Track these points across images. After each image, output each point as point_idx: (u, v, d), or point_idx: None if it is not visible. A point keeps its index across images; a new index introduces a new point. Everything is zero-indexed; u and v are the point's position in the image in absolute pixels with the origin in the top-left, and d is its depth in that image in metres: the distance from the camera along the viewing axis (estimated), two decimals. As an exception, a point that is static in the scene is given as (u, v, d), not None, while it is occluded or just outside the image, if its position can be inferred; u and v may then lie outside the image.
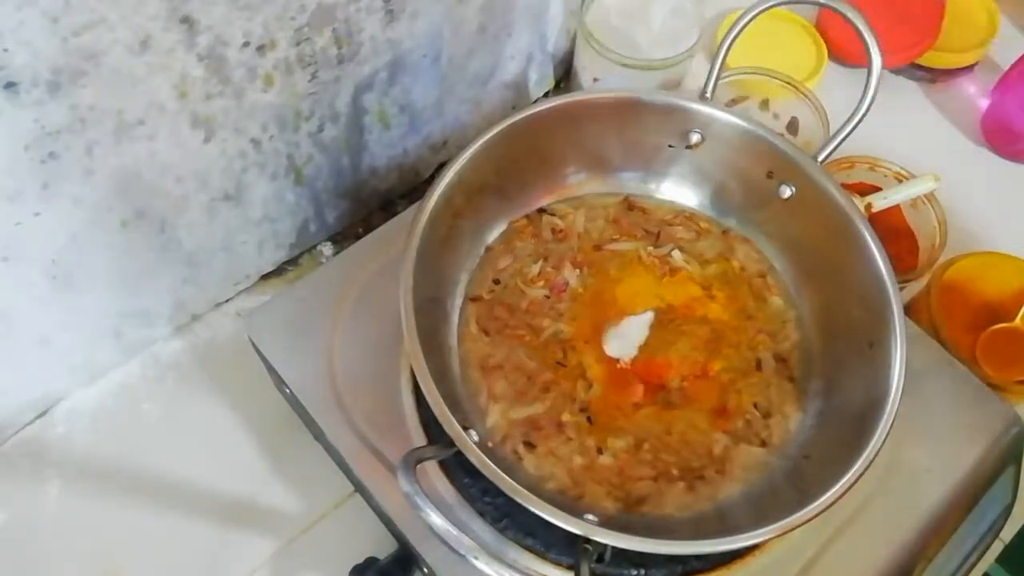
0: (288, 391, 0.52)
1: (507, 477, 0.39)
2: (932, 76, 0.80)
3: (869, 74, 0.49)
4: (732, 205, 0.55)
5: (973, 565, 0.55)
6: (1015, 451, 0.54)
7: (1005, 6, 0.82)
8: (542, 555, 0.45)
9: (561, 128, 0.52)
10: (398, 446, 0.48)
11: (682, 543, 0.41)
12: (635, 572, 0.45)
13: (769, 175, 0.52)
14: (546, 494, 0.43)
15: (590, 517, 0.42)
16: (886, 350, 0.45)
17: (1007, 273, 0.65)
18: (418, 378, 0.41)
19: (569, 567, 0.45)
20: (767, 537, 0.40)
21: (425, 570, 0.48)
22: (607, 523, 0.40)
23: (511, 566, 0.37)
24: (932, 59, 0.78)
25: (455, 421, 0.40)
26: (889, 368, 0.45)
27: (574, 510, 0.41)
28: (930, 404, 0.52)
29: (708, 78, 0.53)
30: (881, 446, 0.42)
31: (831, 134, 0.51)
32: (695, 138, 0.53)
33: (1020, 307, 0.62)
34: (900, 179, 0.68)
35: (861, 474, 0.41)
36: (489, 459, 0.40)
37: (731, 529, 0.41)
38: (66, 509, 0.57)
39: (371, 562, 0.50)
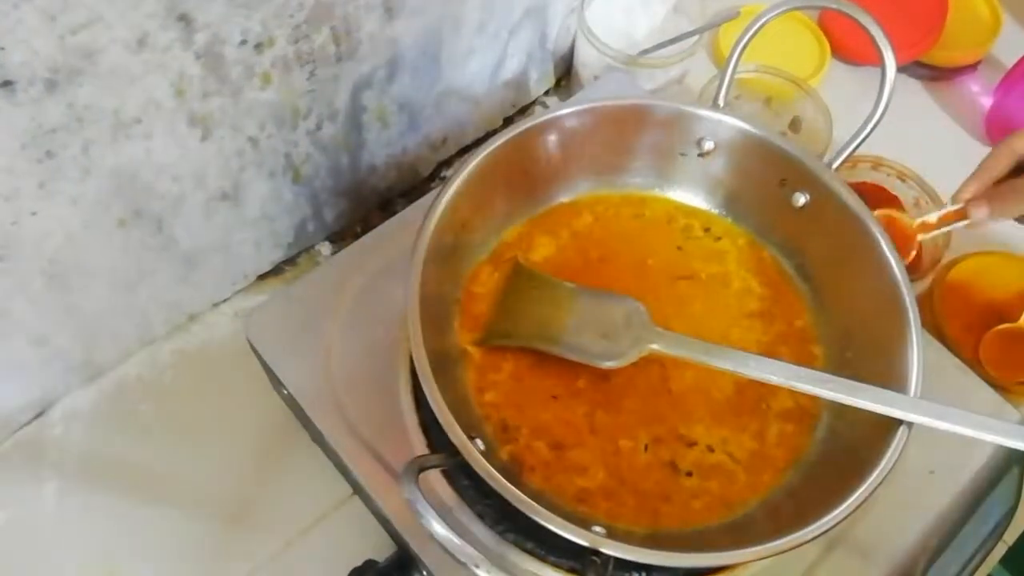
0: (286, 392, 0.52)
1: (514, 488, 0.39)
2: (935, 74, 0.80)
3: (883, 79, 0.49)
4: (745, 212, 0.55)
5: (976, 567, 0.55)
6: (1019, 453, 0.54)
7: (1009, 4, 0.82)
8: (542, 559, 0.45)
9: (571, 135, 0.52)
10: (397, 448, 0.48)
11: (695, 555, 0.40)
12: (635, 575, 0.45)
13: (782, 183, 0.52)
14: (553, 504, 0.43)
15: (598, 529, 0.41)
16: (902, 358, 0.45)
17: (1010, 274, 0.65)
18: (425, 390, 0.41)
19: (570, 570, 0.45)
20: (781, 551, 0.40)
21: (424, 573, 0.47)
22: (614, 534, 0.40)
23: (513, 573, 0.36)
24: (935, 57, 0.78)
25: (461, 431, 0.40)
26: (905, 377, 0.44)
27: (582, 520, 0.40)
28: (934, 405, 0.52)
29: (720, 86, 0.52)
30: (896, 461, 0.42)
31: (834, 135, 0.51)
32: (708, 146, 0.53)
33: (1023, 308, 0.62)
34: (903, 178, 0.67)
35: (873, 490, 0.41)
36: (495, 468, 0.39)
37: (744, 540, 0.40)
38: (64, 509, 0.56)
39: (370, 564, 0.50)
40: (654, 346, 0.47)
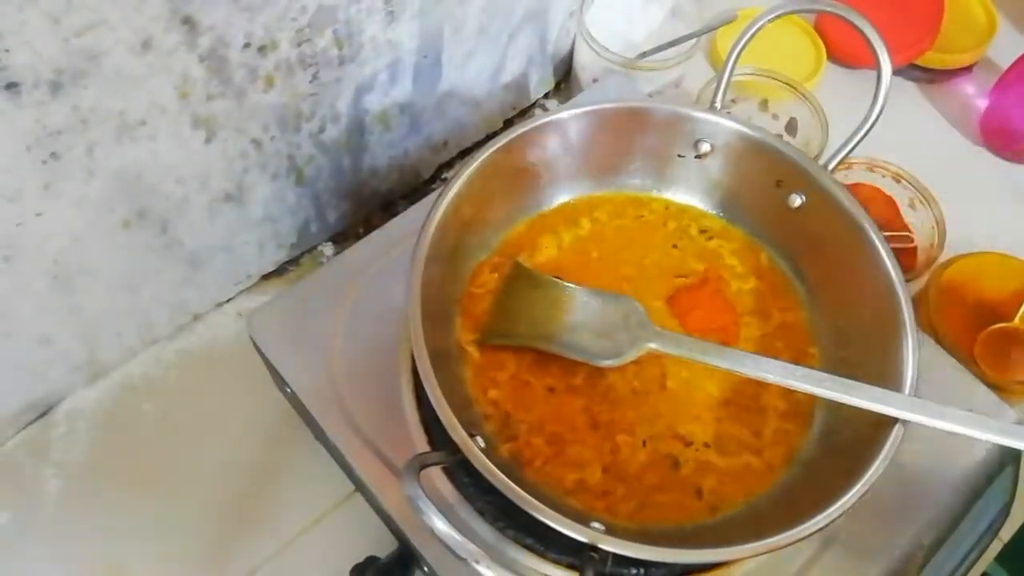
0: (289, 390, 0.52)
1: (514, 486, 0.39)
2: (931, 76, 0.80)
3: (878, 82, 0.49)
4: (742, 213, 0.55)
5: (972, 564, 0.55)
6: (1013, 451, 0.54)
7: (1004, 7, 0.83)
8: (542, 555, 0.45)
9: (570, 137, 0.52)
10: (399, 445, 0.49)
11: (692, 551, 0.41)
12: (635, 571, 0.45)
13: (778, 184, 0.52)
14: (553, 501, 0.43)
15: (597, 525, 0.42)
16: (898, 358, 0.45)
17: (1005, 273, 0.65)
18: (426, 389, 0.41)
19: (569, 566, 0.45)
20: (777, 547, 0.40)
21: (425, 569, 0.48)
22: (613, 531, 0.40)
23: (513, 569, 0.37)
24: (931, 59, 0.78)
25: (462, 429, 0.40)
26: (901, 377, 0.45)
27: (580, 516, 0.41)
28: (929, 404, 0.52)
29: (717, 88, 0.53)
30: (891, 459, 0.42)
31: (831, 138, 0.52)
32: (705, 148, 0.53)
33: (1018, 307, 0.63)
34: (898, 180, 0.68)
35: (869, 487, 0.41)
36: (495, 465, 0.40)
37: (741, 536, 0.41)
38: (67, 509, 0.57)
39: (371, 561, 0.50)
40: (652, 345, 0.47)
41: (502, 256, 0.53)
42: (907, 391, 0.44)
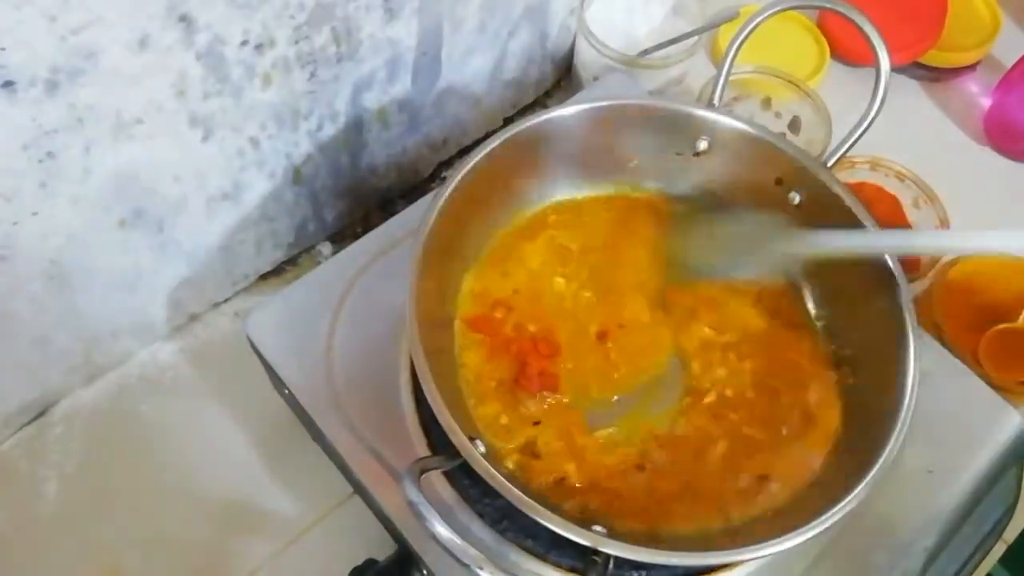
0: (287, 392, 0.52)
1: (515, 489, 0.39)
2: (934, 75, 0.80)
3: (877, 79, 0.49)
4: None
5: (976, 566, 0.55)
6: (1017, 452, 0.54)
7: (1007, 5, 0.82)
8: (542, 557, 0.45)
9: (570, 134, 0.52)
10: (398, 447, 0.48)
11: (694, 554, 0.41)
12: (636, 574, 0.45)
13: (778, 182, 0.52)
14: (554, 504, 0.42)
15: (598, 528, 0.41)
16: (901, 354, 0.45)
17: (1010, 274, 0.65)
18: (425, 392, 0.41)
19: (571, 569, 0.45)
20: (779, 549, 0.40)
21: (424, 572, 0.47)
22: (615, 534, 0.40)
23: (514, 573, 0.36)
24: (934, 58, 0.78)
25: (462, 433, 0.40)
26: (902, 377, 0.44)
27: (582, 519, 0.40)
28: (932, 405, 0.51)
29: (715, 85, 0.52)
30: (895, 456, 0.42)
31: (833, 136, 0.51)
32: (703, 145, 0.53)
33: (1023, 308, 0.62)
34: (901, 178, 0.67)
35: (868, 491, 0.41)
36: (495, 468, 0.39)
37: (742, 539, 0.41)
38: (64, 510, 0.56)
39: (370, 564, 0.50)
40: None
41: (499, 255, 0.52)
42: (908, 391, 0.44)
